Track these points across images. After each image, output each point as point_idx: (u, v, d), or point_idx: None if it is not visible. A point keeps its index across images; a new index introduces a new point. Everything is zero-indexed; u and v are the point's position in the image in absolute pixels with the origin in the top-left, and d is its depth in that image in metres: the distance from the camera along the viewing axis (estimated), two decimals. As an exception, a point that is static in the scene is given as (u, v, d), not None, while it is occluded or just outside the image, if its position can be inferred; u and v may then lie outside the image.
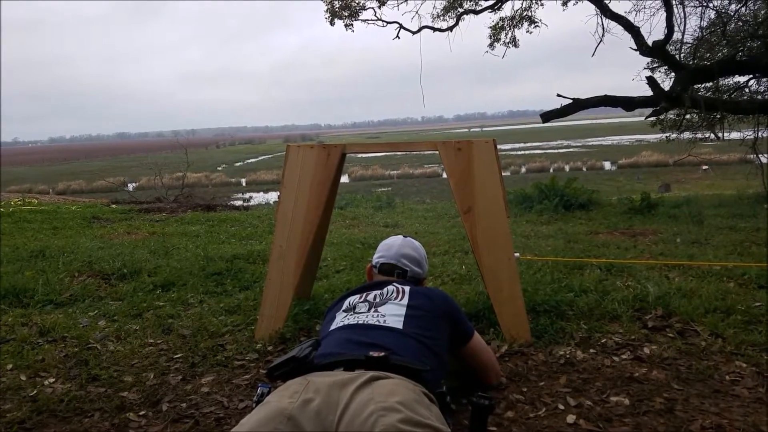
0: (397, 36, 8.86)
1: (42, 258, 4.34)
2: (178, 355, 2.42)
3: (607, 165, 32.79)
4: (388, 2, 8.46)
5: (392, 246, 2.14)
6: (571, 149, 45.95)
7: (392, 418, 1.27)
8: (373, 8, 8.58)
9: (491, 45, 11.25)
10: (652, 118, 10.58)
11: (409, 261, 2.10)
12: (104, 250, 4.51)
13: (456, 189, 2.43)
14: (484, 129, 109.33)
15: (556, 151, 45.09)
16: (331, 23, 9.34)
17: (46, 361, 2.37)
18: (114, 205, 9.95)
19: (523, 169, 32.22)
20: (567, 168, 31.52)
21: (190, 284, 3.46)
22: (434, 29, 8.83)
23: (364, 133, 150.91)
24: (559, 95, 9.01)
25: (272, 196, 26.14)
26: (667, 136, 11.89)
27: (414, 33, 8.83)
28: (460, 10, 9.97)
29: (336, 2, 8.71)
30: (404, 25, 8.80)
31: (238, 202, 17.61)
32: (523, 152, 44.06)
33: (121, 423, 1.88)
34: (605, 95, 9.14)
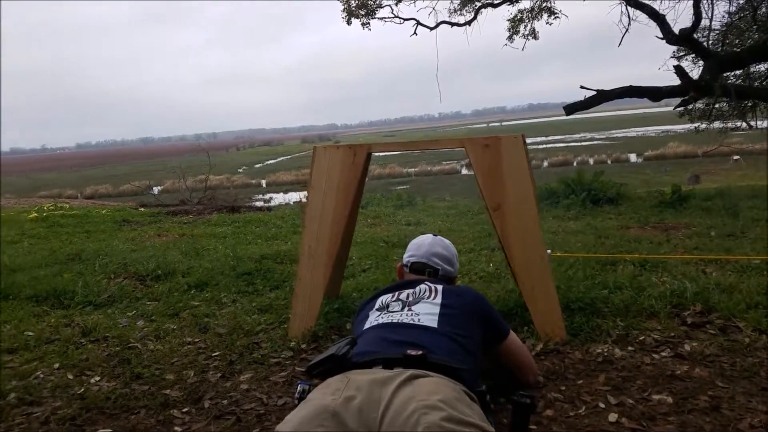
0: (414, 33, 8.85)
1: (78, 261, 4.45)
2: (216, 354, 2.47)
3: (633, 157, 32.23)
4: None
5: (422, 245, 2.15)
6: (595, 142, 45.26)
7: (435, 416, 1.29)
8: (389, 6, 8.57)
9: (510, 38, 11.15)
10: (680, 109, 10.38)
11: (440, 259, 2.10)
12: (138, 252, 4.61)
13: (484, 186, 2.43)
14: (504, 123, 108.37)
15: (579, 143, 44.47)
16: (348, 22, 9.35)
17: (90, 360, 2.44)
18: (142, 209, 10.12)
19: (545, 163, 31.84)
20: (591, 161, 31.05)
21: (223, 284, 3.52)
22: (452, 24, 8.78)
23: (380, 132, 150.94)
24: (582, 87, 8.87)
25: (291, 197, 26.37)
26: (696, 127, 11.64)
27: (431, 29, 8.81)
28: (478, 3, 9.91)
29: (353, 1, 8.72)
30: (421, 21, 8.78)
31: (259, 203, 17.80)
32: (544, 146, 43.48)
33: (166, 419, 1.93)
34: (630, 86, 8.97)
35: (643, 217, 5.82)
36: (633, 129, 55.39)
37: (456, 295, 1.87)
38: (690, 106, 10.36)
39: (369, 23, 8.83)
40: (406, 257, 2.16)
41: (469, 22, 8.81)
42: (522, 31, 11.17)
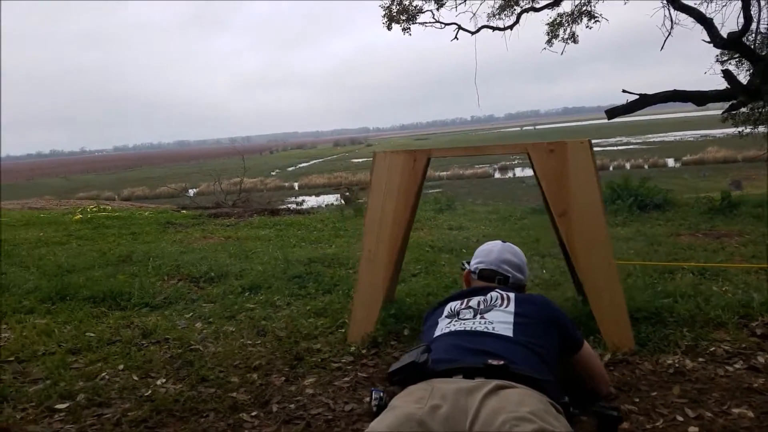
0: (455, 37, 8.82)
1: (130, 263, 4.55)
2: (277, 357, 2.49)
3: (671, 162, 31.48)
4: (446, 3, 8.43)
5: (492, 251, 2.12)
6: (631, 146, 44.33)
7: (526, 428, 1.27)
8: (431, 11, 8.57)
9: (549, 42, 11.04)
10: (723, 113, 10.10)
11: (510, 267, 2.07)
12: (188, 254, 4.69)
13: (549, 192, 2.39)
14: (537, 127, 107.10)
15: (615, 148, 43.61)
16: (389, 28, 9.39)
17: (153, 362, 2.48)
18: (183, 211, 10.33)
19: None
20: (628, 165, 30.44)
21: (275, 287, 3.55)
22: (493, 28, 8.74)
23: (413, 135, 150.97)
24: (624, 91, 8.73)
25: (324, 199, 26.56)
26: (740, 131, 11.31)
27: (473, 33, 8.77)
28: (517, 9, 9.83)
29: (394, 7, 8.75)
30: (462, 25, 8.75)
31: (292, 206, 17.98)
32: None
33: (236, 423, 1.95)
34: (674, 90, 8.78)
35: (693, 224, 5.67)
36: (670, 133, 54.12)
37: (530, 303, 1.84)
38: (735, 111, 10.07)
39: (409, 28, 8.85)
40: (474, 264, 2.13)
41: (510, 26, 8.74)
42: (561, 35, 11.07)
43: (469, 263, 2.54)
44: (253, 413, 2.01)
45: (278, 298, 3.34)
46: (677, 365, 2.15)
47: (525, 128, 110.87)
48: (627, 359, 2.24)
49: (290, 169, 50.43)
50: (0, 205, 13.68)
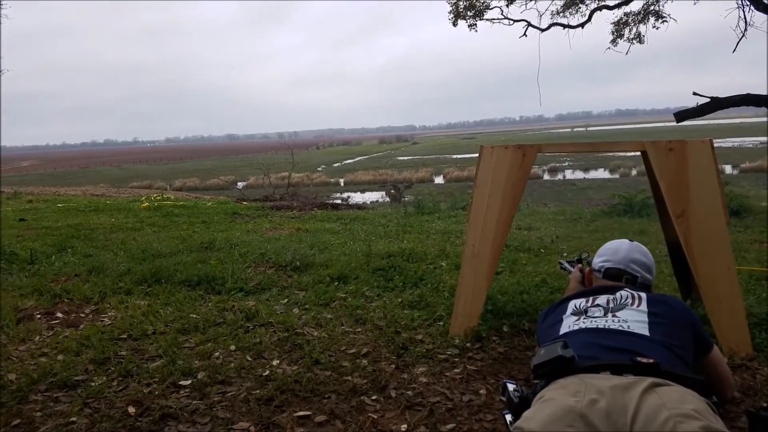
0: (524, 34, 8.71)
1: (212, 249, 4.70)
2: (381, 345, 2.54)
3: (728, 168, 30.25)
4: (516, 1, 8.34)
5: (619, 250, 2.09)
6: (686, 151, 42.73)
7: (693, 425, 1.27)
8: (499, 7, 8.49)
9: (614, 41, 10.80)
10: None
11: (639, 266, 2.04)
12: (269, 243, 4.81)
13: (667, 191, 2.35)
14: (589, 129, 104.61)
15: (668, 153, 42.16)
16: (454, 24, 9.36)
17: (263, 344, 2.57)
18: (245, 203, 10.59)
19: (634, 171, 30.48)
20: (683, 171, 29.39)
21: (362, 278, 3.61)
22: (564, 26, 8.59)
23: (459, 134, 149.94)
24: (695, 93, 8.47)
25: (369, 196, 26.70)
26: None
27: (543, 30, 8.64)
28: (583, 6, 9.64)
29: (461, 2, 8.71)
30: (531, 22, 8.63)
31: (338, 201, 18.16)
32: (633, 153, 41.55)
33: (358, 406, 2.00)
34: (747, 93, 8.51)
35: (776, 232, 5.45)
36: (728, 139, 51.96)
37: (663, 303, 1.82)
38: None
39: (476, 24, 8.79)
40: (599, 262, 2.11)
41: (581, 24, 8.58)
42: (626, 35, 10.81)
43: (569, 263, 2.53)
44: (373, 397, 2.06)
45: (367, 289, 3.40)
46: (801, 373, 2.09)
47: (576, 129, 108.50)
48: (745, 364, 2.19)
49: (336, 165, 50.91)
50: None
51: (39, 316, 3.15)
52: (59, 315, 3.16)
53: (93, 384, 2.23)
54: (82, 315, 3.16)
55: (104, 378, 2.29)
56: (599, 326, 1.75)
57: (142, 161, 76.57)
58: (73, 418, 1.98)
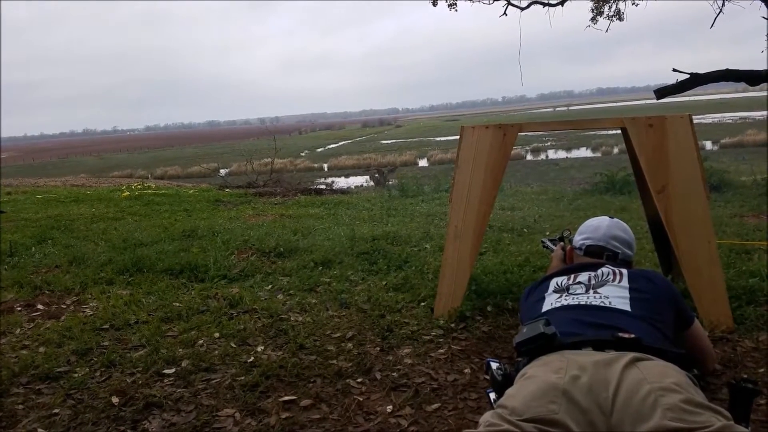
0: (504, 13, 8.65)
1: (195, 237, 4.65)
2: (366, 328, 2.54)
3: (708, 144, 30.60)
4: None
5: (600, 227, 2.09)
6: (667, 129, 43.12)
7: (674, 398, 1.28)
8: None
9: (593, 19, 10.78)
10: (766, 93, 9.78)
11: (619, 243, 2.05)
12: (252, 230, 4.77)
13: (647, 167, 2.36)
14: (571, 108, 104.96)
15: (649, 130, 42.52)
16: (434, 4, 9.27)
17: (247, 331, 2.56)
18: (227, 190, 10.48)
19: (616, 150, 30.70)
20: (664, 148, 29.66)
21: (346, 263, 3.60)
22: (544, 4, 8.55)
23: (442, 116, 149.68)
24: (675, 70, 8.51)
25: (353, 181, 26.60)
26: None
27: (522, 9, 8.60)
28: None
29: (440, -19, 8.62)
30: (511, 1, 8.57)
31: (322, 186, 18.06)
32: (614, 131, 41.79)
33: (344, 388, 2.01)
34: (727, 69, 8.54)
35: (755, 206, 5.53)
36: (708, 115, 52.50)
37: (644, 279, 1.83)
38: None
39: (455, 4, 8.72)
40: (580, 240, 2.11)
41: (562, 2, 8.55)
42: (606, 12, 10.79)
43: (552, 242, 2.53)
44: (359, 380, 2.06)
45: (351, 273, 3.39)
46: (779, 343, 2.13)
47: (558, 109, 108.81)
48: (726, 337, 2.23)
49: (319, 150, 50.57)
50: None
51: (19, 308, 3.11)
52: (40, 307, 3.11)
53: (75, 375, 2.21)
54: (64, 306, 3.12)
55: (87, 369, 2.27)
56: (581, 303, 1.76)
57: (122, 150, 75.41)
58: (56, 410, 1.96)
